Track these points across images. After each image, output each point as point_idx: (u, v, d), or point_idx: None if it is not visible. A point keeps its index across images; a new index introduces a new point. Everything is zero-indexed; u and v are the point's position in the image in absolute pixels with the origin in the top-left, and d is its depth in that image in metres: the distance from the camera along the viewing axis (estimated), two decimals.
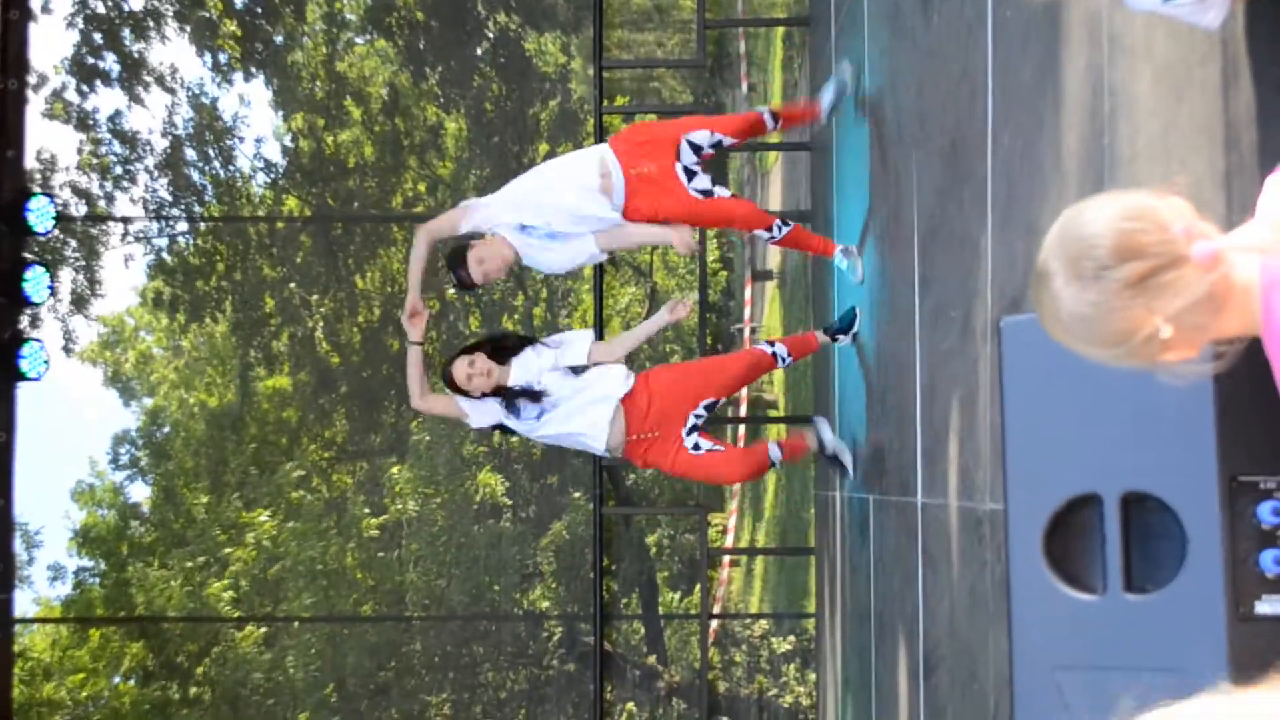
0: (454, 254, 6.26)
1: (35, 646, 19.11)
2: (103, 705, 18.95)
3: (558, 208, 6.04)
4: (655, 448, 6.16)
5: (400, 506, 18.40)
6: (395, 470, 18.59)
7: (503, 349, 6.15)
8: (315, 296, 18.59)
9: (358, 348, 18.71)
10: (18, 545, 14.83)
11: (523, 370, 6.05)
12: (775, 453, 6.43)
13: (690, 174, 6.17)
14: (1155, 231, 1.60)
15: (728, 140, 6.25)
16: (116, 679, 19.14)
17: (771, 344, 6.50)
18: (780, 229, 6.35)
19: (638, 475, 18.23)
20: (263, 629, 18.10)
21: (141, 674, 18.84)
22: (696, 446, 6.17)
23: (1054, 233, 1.67)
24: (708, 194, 6.19)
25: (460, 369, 6.05)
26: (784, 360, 6.45)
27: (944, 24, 4.58)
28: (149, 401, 21.07)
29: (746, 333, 20.82)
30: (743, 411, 19.53)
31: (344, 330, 18.66)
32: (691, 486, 16.99)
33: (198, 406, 19.82)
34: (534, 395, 5.99)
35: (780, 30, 16.26)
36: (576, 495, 17.65)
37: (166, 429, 20.62)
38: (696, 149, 6.16)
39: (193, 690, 18.28)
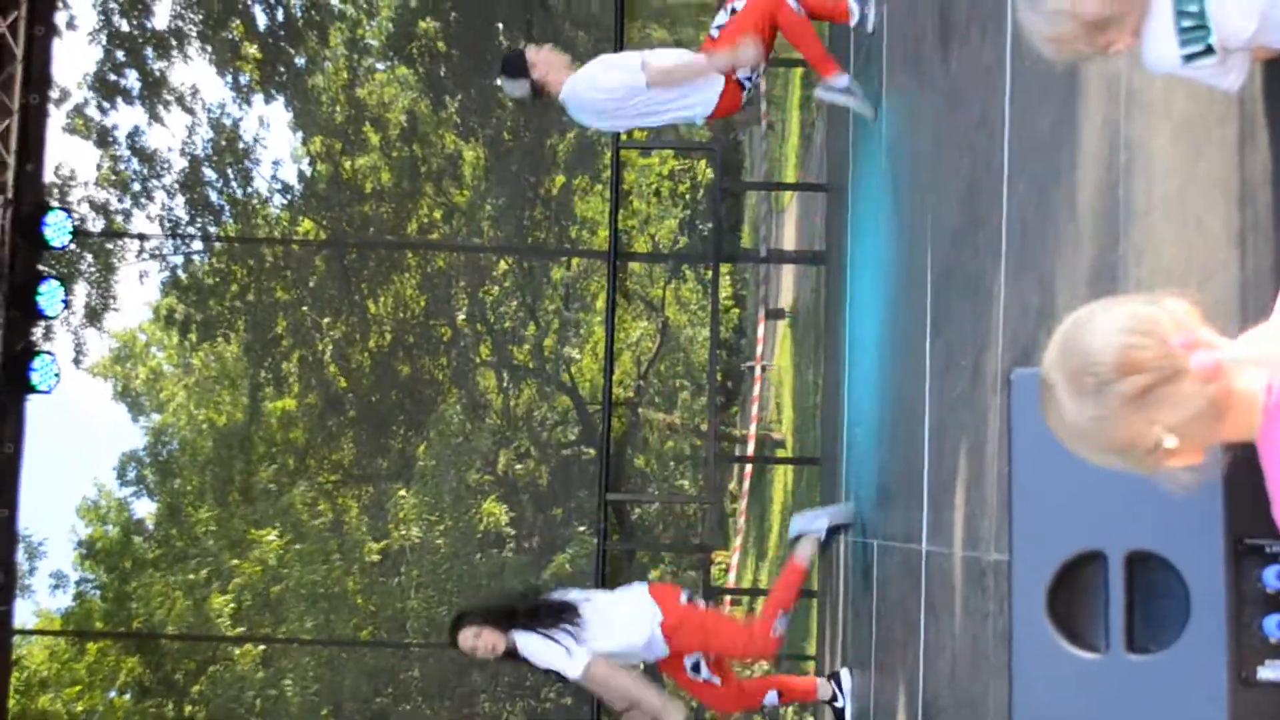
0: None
1: (33, 657, 19.09)
2: (97, 719, 18.91)
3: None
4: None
5: (404, 532, 18.38)
6: (401, 495, 18.59)
7: (508, 619, 6.17)
8: (327, 320, 18.62)
9: (367, 372, 18.72)
10: (20, 555, 14.81)
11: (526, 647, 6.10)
12: (772, 699, 6.73)
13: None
14: (1155, 346, 1.61)
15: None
16: (112, 693, 19.10)
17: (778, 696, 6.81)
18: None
19: (642, 511, 18.20)
20: (261, 648, 18.06)
21: (137, 689, 18.80)
22: (696, 669, 6.39)
23: (1056, 343, 1.69)
24: None
25: (466, 639, 6.16)
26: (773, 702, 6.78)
27: (962, 70, 4.59)
28: (157, 418, 21.10)
29: (758, 371, 20.80)
30: (750, 450, 19.49)
31: (354, 355, 18.68)
32: (696, 524, 16.98)
33: (206, 424, 19.84)
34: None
35: (798, 70, 16.33)
36: (580, 529, 17.61)
37: (174, 446, 20.64)
38: None
39: (187, 708, 18.24)
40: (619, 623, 6.14)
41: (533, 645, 6.08)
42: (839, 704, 6.72)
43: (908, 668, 5.19)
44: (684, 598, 6.32)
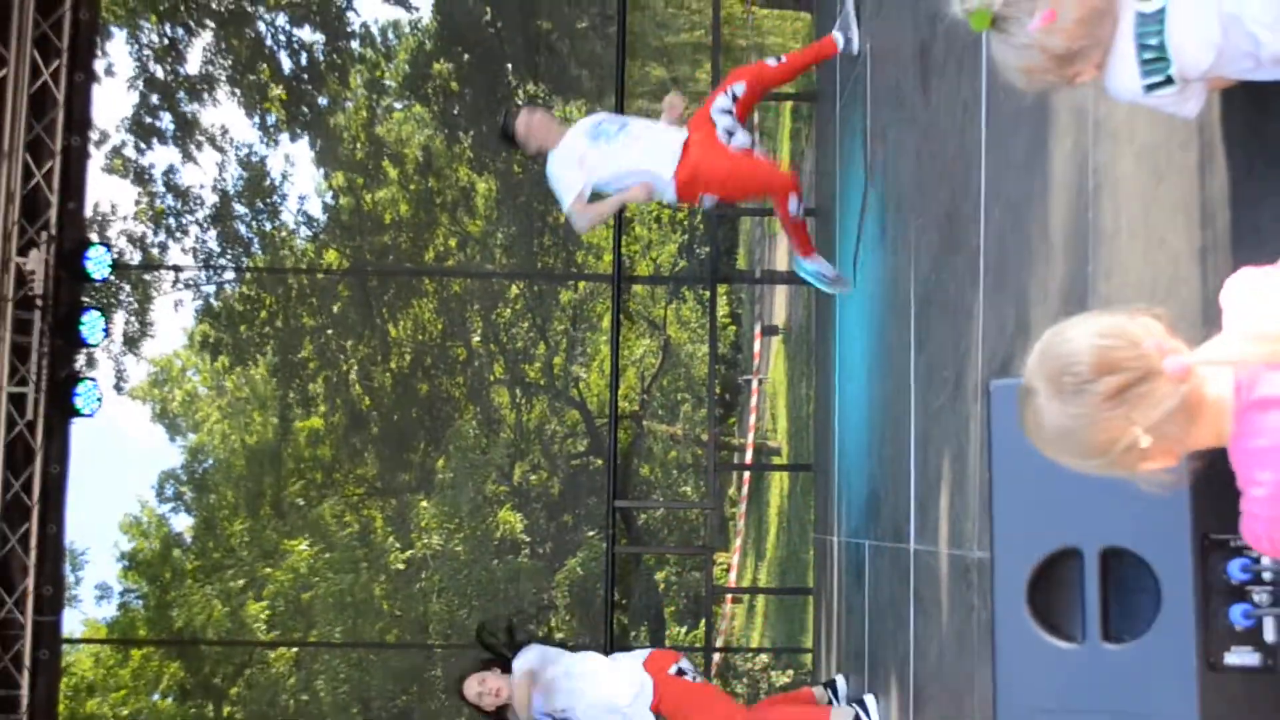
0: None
1: (81, 664, 19.08)
2: None
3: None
4: None
5: (426, 541, 18.38)
6: (422, 505, 18.60)
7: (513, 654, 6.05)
8: (350, 343, 18.66)
9: (389, 391, 18.74)
10: (67, 569, 14.83)
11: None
12: None
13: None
14: (1129, 348, 1.63)
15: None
16: (155, 696, 19.09)
17: None
18: (800, 206, 6.39)
19: (649, 517, 18.19)
20: (294, 651, 18.06)
21: (179, 692, 18.79)
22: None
23: (1036, 353, 1.70)
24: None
25: (471, 688, 6.00)
26: None
27: (941, 103, 4.61)
28: (193, 438, 21.12)
29: (754, 384, 20.80)
30: (748, 458, 19.48)
31: (376, 375, 18.71)
32: (698, 528, 16.96)
33: (238, 443, 19.85)
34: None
35: (789, 104, 16.37)
36: (590, 534, 17.60)
37: (209, 463, 20.66)
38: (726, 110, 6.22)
39: (226, 709, 18.22)
40: (607, 686, 5.96)
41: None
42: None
43: (898, 660, 5.20)
44: (674, 669, 6.01)
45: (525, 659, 5.98)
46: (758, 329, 21.89)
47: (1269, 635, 2.27)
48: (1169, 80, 2.08)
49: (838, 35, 6.64)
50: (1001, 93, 3.79)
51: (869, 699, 5.91)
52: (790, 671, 16.46)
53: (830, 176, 8.29)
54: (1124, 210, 2.92)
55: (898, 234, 5.48)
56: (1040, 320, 3.39)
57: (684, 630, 19.06)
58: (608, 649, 9.64)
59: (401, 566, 18.44)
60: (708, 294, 13.54)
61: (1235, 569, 2.29)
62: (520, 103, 6.01)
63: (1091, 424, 1.64)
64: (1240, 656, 2.30)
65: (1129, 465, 1.67)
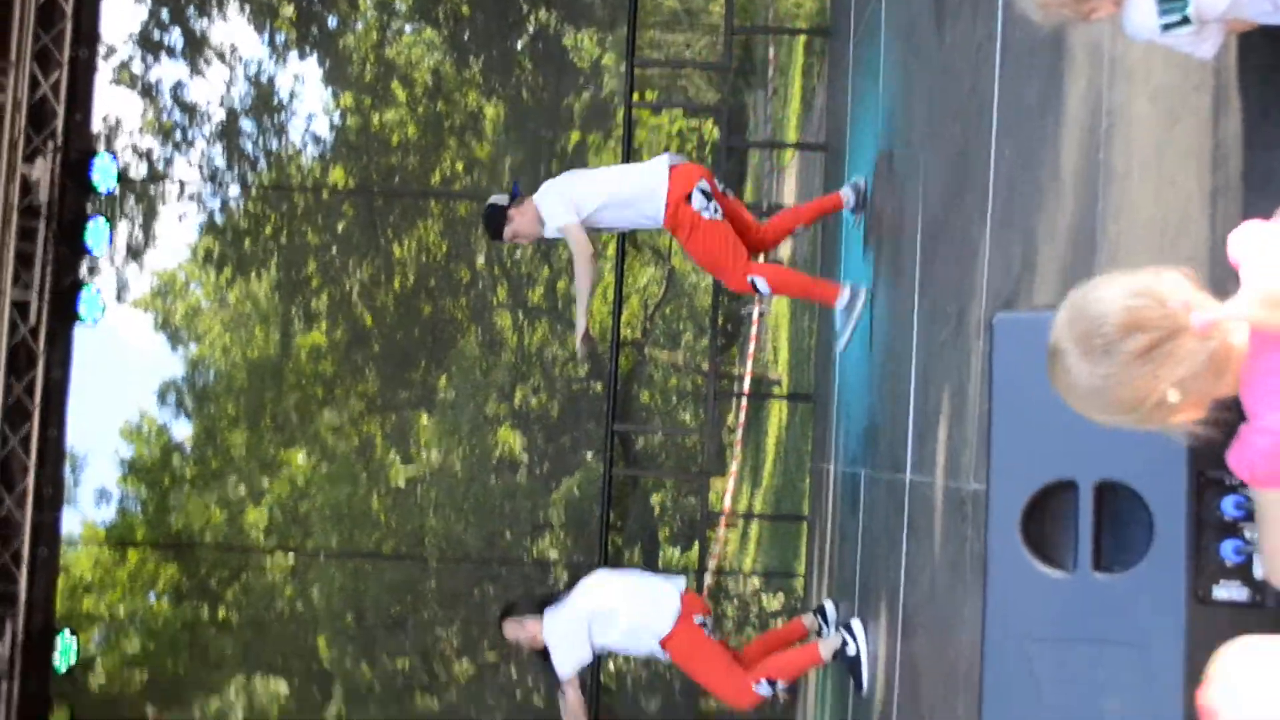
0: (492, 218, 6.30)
1: (78, 563, 19.25)
2: (138, 621, 19.10)
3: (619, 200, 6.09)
4: None
5: (425, 457, 18.49)
6: (423, 420, 18.69)
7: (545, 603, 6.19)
8: (354, 261, 18.63)
9: (392, 310, 18.75)
10: (67, 471, 14.92)
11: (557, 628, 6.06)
12: (765, 690, 6.15)
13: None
14: (1156, 306, 1.64)
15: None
16: (152, 597, 19.29)
17: (772, 683, 6.16)
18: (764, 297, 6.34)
19: (647, 441, 18.27)
20: (290, 560, 18.24)
21: (175, 594, 18.99)
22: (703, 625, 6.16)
23: (1063, 314, 1.71)
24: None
25: (510, 631, 6.19)
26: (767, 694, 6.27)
27: (956, 41, 4.59)
28: (195, 348, 21.15)
29: (756, 315, 20.79)
30: (746, 387, 19.54)
31: (379, 295, 18.70)
32: (696, 455, 17.03)
33: (240, 356, 19.89)
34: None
35: (802, 39, 16.21)
36: (588, 457, 17.69)
37: (210, 375, 20.70)
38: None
39: (222, 612, 18.42)
40: (641, 602, 6.10)
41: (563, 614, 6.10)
42: (851, 651, 5.98)
43: (890, 587, 5.26)
44: (698, 619, 6.10)
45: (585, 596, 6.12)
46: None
47: (1259, 571, 2.31)
48: (1186, 20, 2.08)
49: (846, 191, 6.60)
50: (1017, 28, 3.77)
51: (855, 624, 5.98)
52: (781, 595, 16.63)
53: (841, 116, 8.25)
54: (1136, 151, 2.92)
55: (906, 170, 5.47)
56: (1047, 259, 3.40)
57: (678, 551, 19.22)
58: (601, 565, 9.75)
59: (401, 485, 18.56)
60: None
61: (1229, 505, 2.32)
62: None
63: (1120, 383, 1.65)
64: (1229, 591, 2.33)
65: (1160, 420, 1.69)
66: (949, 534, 4.18)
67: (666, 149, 16.14)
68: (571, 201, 6.05)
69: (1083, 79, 3.24)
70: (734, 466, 20.15)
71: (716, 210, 6.03)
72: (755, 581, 17.73)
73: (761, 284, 6.17)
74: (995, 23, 4.00)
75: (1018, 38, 3.77)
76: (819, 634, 6.65)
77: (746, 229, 6.26)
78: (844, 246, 7.39)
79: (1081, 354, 1.67)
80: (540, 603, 6.21)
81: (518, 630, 6.16)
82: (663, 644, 6.07)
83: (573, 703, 6.06)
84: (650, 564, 18.02)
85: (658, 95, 18.04)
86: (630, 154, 9.92)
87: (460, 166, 18.77)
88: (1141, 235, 2.84)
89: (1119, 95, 3.01)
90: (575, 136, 17.98)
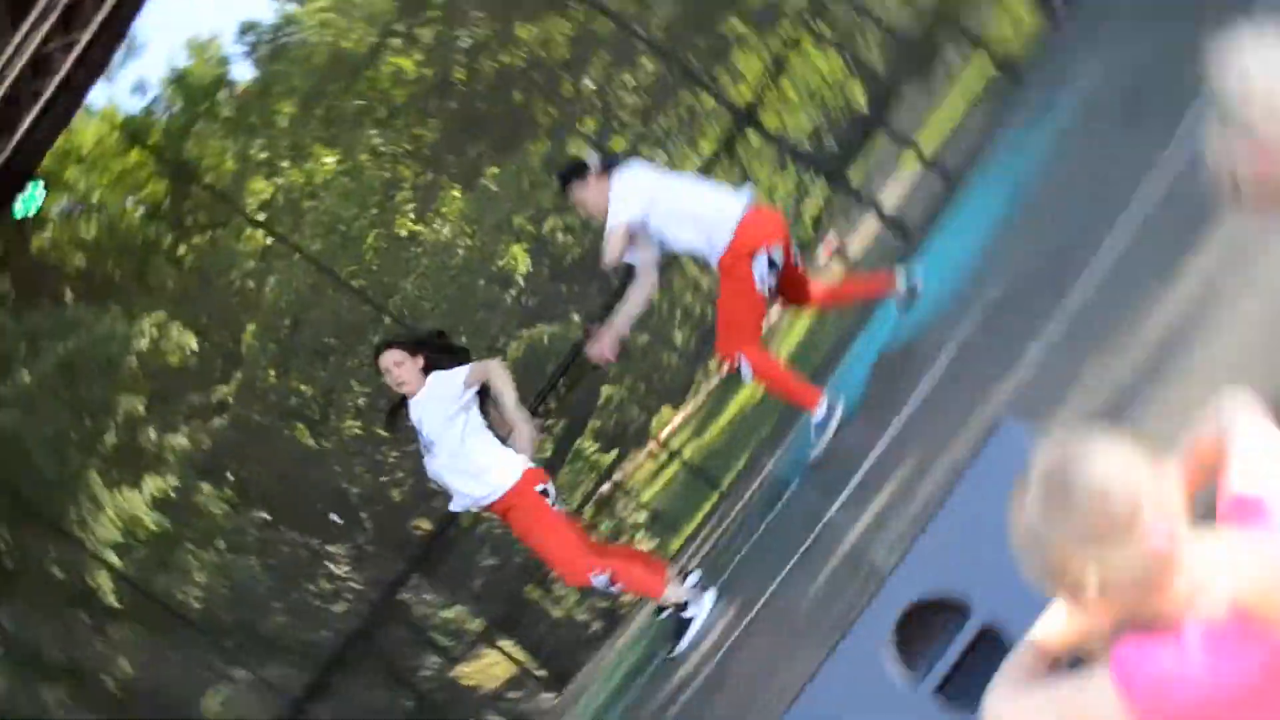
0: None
1: (83, 135, 19.16)
2: (105, 214, 19.10)
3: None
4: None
5: (437, 227, 18.42)
6: (455, 193, 18.58)
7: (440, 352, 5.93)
8: (480, 14, 18.33)
9: (486, 80, 18.49)
10: (122, 51, 14.75)
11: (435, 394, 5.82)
12: (601, 582, 5.84)
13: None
14: (1129, 503, 1.57)
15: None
16: (130, 200, 19.28)
17: (611, 583, 5.83)
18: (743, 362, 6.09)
19: (632, 336, 18.20)
20: (267, 242, 18.22)
21: (151, 210, 18.97)
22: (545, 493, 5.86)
23: (1055, 450, 1.64)
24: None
25: (388, 360, 5.88)
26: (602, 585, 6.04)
27: (1122, 149, 4.41)
28: (295, 8, 20.88)
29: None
30: None
31: (484, 58, 18.43)
32: (666, 373, 16.92)
33: (331, 38, 19.66)
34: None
35: (986, 64, 15.81)
36: (575, 317, 17.61)
37: (296, 38, 20.47)
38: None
39: (181, 250, 18.43)
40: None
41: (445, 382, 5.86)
42: (688, 613, 5.78)
43: (754, 587, 5.19)
44: (540, 487, 5.77)
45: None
46: (829, 243, 21.58)
47: None
48: None
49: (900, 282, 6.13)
50: (1192, 177, 3.59)
51: (709, 595, 5.83)
52: (657, 542, 16.69)
53: (979, 150, 8.05)
54: (1222, 341, 2.78)
55: (1007, 231, 5.31)
56: (1088, 395, 3.26)
57: (595, 447, 19.25)
58: None
59: (402, 235, 18.49)
60: (817, 180, 13.27)
61: None
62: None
63: (1055, 545, 1.61)
64: None
65: (1070, 597, 1.65)
66: (834, 584, 4.10)
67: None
68: (648, 200, 5.85)
69: (1213, 255, 3.09)
70: (691, 406, 20.12)
71: (770, 285, 5.82)
72: (641, 516, 17.78)
73: (745, 368, 5.94)
74: (1178, 156, 3.81)
75: (1185, 184, 3.60)
76: (678, 609, 6.45)
77: (795, 285, 6.04)
78: (858, 345, 7.14)
79: (1043, 498, 1.62)
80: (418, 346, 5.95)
81: (394, 366, 5.85)
82: (502, 509, 5.85)
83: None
84: (565, 445, 18.03)
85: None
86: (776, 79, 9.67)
87: None
88: (1169, 438, 2.70)
89: (1233, 284, 2.87)
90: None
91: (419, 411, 5.82)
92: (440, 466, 5.86)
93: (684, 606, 5.80)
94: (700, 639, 5.66)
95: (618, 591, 6.11)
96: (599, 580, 5.76)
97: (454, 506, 6.05)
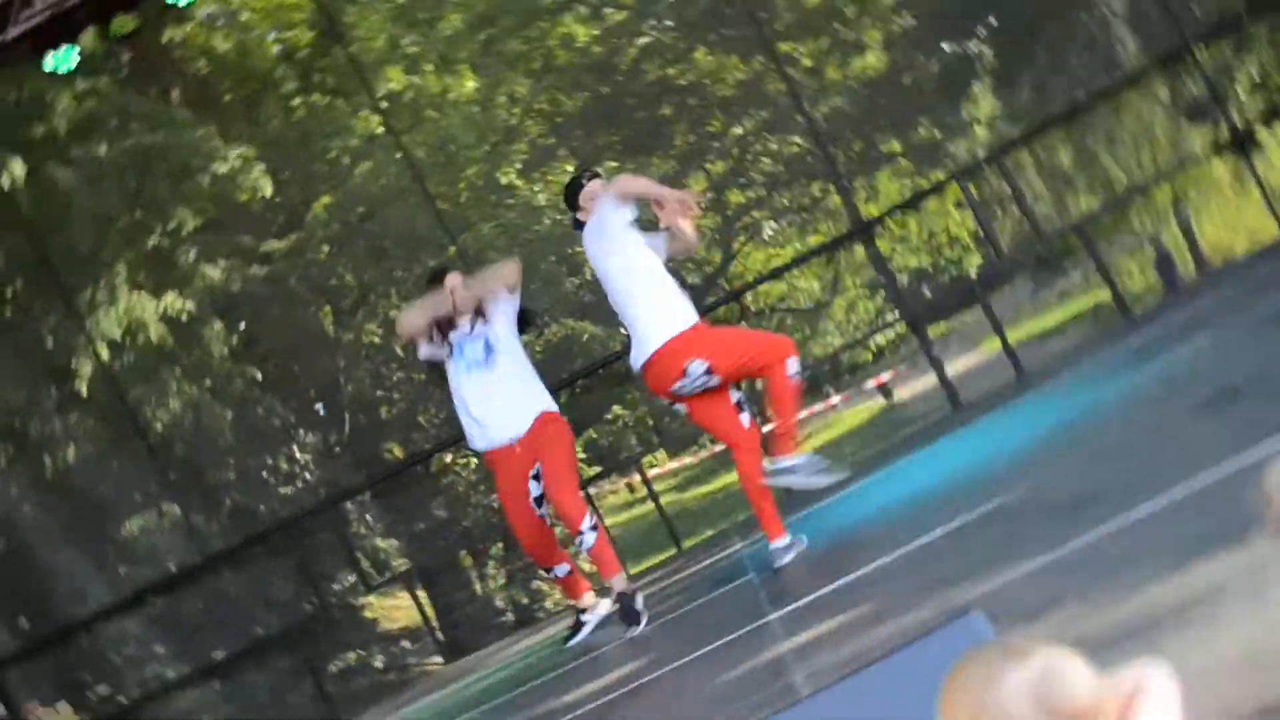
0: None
1: None
2: (244, 35, 19.20)
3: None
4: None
5: (537, 189, 18.50)
6: (567, 167, 18.65)
7: None
8: (666, 24, 18.40)
9: (647, 82, 18.59)
10: None
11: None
12: (562, 571, 6.44)
13: None
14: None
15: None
16: (274, 33, 19.37)
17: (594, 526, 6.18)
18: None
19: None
20: (379, 130, 18.30)
21: (288, 51, 19.05)
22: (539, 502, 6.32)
23: (1035, 650, 1.59)
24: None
25: (454, 278, 6.30)
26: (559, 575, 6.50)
27: (1195, 430, 4.45)
28: None
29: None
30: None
31: (651, 65, 18.53)
32: (674, 419, 16.87)
33: None
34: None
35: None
36: (622, 329, 17.59)
37: None
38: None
39: (297, 99, 18.48)
40: None
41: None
42: (584, 619, 6.43)
43: (672, 650, 5.21)
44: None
45: None
46: (880, 377, 21.57)
47: None
48: None
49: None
50: (1234, 483, 3.63)
51: (638, 606, 5.99)
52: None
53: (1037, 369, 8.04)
54: (1219, 650, 2.81)
55: (1041, 449, 5.34)
56: (1049, 627, 3.30)
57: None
58: None
59: (504, 180, 18.58)
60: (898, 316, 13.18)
61: None
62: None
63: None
64: None
65: None
66: (746, 684, 4.13)
67: None
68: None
69: (1227, 567, 3.13)
70: (685, 461, 20.14)
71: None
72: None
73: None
74: (1238, 465, 3.82)
75: (1230, 492, 3.63)
76: (580, 612, 6.57)
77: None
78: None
79: (995, 686, 1.57)
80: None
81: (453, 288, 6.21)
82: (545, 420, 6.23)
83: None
84: None
85: None
86: None
87: None
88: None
89: (1236, 602, 2.90)
90: None
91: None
92: (500, 376, 6.13)
93: (602, 613, 6.36)
94: (591, 636, 6.20)
95: (585, 550, 6.20)
96: (587, 524, 6.04)
97: (493, 433, 6.21)
